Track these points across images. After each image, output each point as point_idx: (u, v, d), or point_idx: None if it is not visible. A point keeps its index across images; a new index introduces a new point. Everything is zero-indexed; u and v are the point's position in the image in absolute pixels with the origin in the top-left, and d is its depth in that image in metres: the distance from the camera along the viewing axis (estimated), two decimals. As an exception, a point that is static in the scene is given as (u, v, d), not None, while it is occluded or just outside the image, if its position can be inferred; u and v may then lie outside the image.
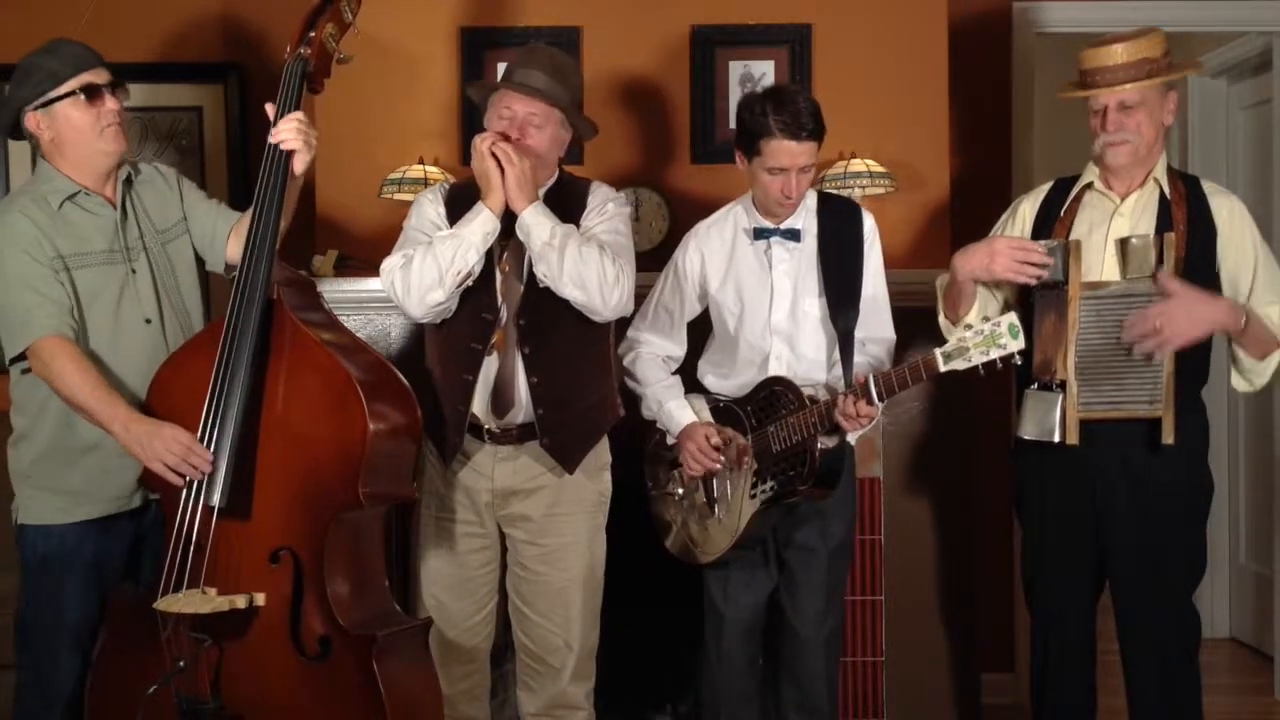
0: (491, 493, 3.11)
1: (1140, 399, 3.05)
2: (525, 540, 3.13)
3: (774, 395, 3.13)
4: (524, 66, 3.06)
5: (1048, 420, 3.09)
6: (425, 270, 2.95)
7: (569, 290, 2.96)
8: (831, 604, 3.25)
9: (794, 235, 3.19)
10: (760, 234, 3.21)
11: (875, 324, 3.23)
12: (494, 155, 2.96)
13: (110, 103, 2.98)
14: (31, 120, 2.98)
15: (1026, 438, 3.13)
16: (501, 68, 3.94)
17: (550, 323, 3.04)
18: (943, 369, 2.92)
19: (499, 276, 3.06)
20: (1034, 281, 3.08)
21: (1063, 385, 3.08)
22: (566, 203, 3.07)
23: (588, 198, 3.15)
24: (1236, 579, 5.21)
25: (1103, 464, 3.10)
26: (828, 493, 3.15)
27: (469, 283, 3.00)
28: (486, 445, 3.09)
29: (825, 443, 3.10)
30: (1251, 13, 4.55)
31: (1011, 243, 3.12)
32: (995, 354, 2.87)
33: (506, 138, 3.00)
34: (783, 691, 3.30)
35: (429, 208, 3.14)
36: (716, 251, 3.27)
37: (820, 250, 3.19)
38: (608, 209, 3.13)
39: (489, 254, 3.01)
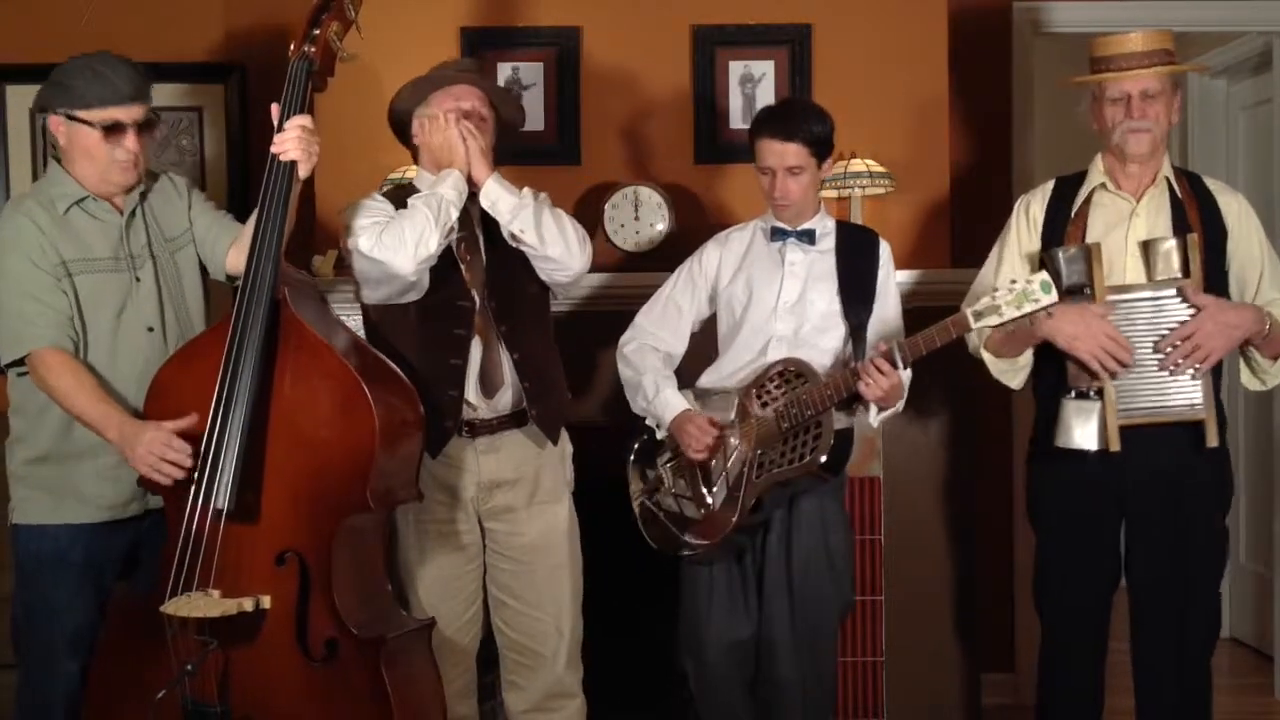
0: (477, 486, 3.14)
1: (1180, 403, 3.06)
2: (510, 531, 3.16)
3: (781, 374, 3.13)
4: (448, 68, 3.21)
5: (1088, 428, 3.08)
6: (415, 222, 2.97)
7: (550, 246, 3.07)
8: (811, 612, 3.20)
9: (809, 237, 3.22)
10: (776, 234, 3.24)
11: (892, 319, 3.25)
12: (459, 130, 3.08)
13: (130, 143, 2.95)
14: (54, 122, 2.97)
15: (1071, 448, 3.09)
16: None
17: (517, 301, 3.15)
18: (974, 326, 2.92)
19: (462, 265, 3.11)
20: (1108, 373, 3.03)
21: (1100, 392, 3.07)
22: None
23: None
24: (1236, 579, 5.20)
25: (1139, 467, 3.08)
26: (830, 476, 3.13)
27: (453, 237, 3.04)
28: (467, 441, 3.12)
29: (837, 423, 3.09)
30: (1251, 13, 4.55)
31: (1110, 334, 3.03)
32: (1028, 308, 2.85)
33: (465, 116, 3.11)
34: (762, 697, 3.28)
35: (373, 204, 3.14)
36: (735, 251, 3.32)
37: (838, 255, 3.23)
38: (542, 196, 3.23)
39: (451, 244, 3.07)
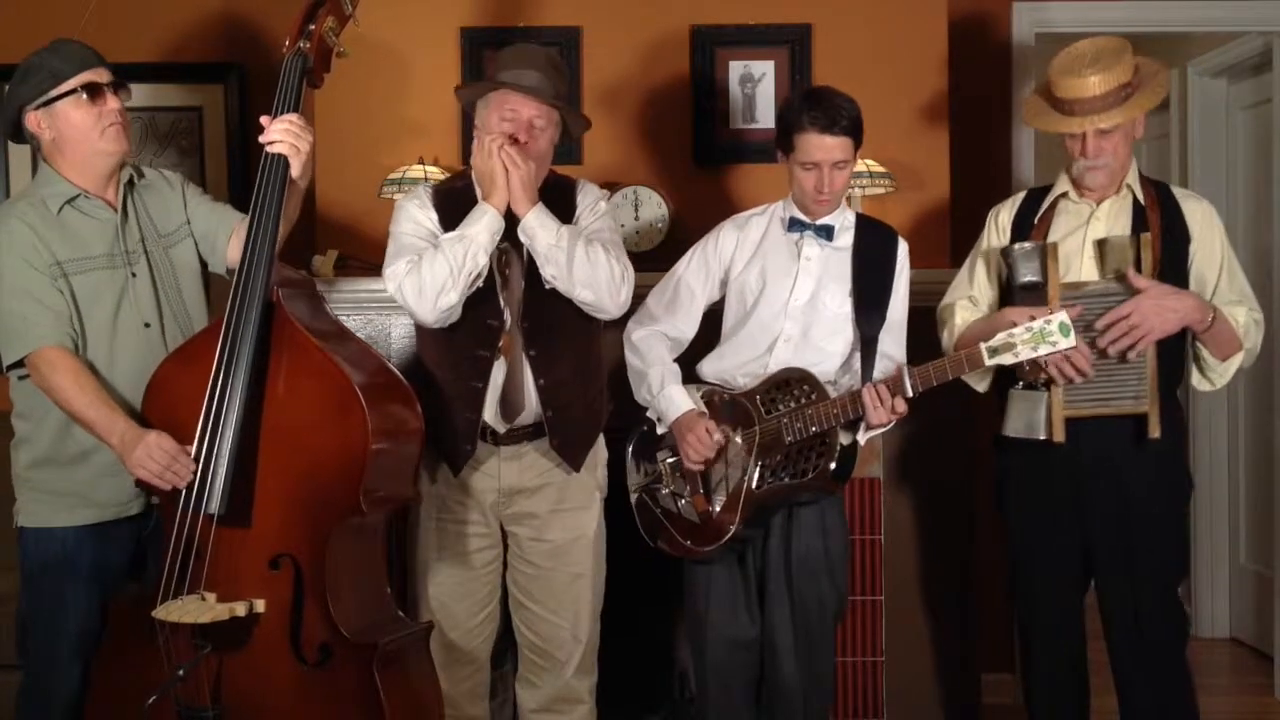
0: (498, 492, 3.11)
1: (1125, 395, 3.09)
2: (532, 537, 3.14)
3: (789, 385, 3.11)
4: (519, 66, 3.06)
5: (1033, 419, 3.12)
6: (436, 273, 2.94)
7: (579, 292, 2.99)
8: (810, 614, 3.18)
9: (827, 232, 3.19)
10: (794, 225, 3.21)
11: (891, 344, 3.20)
12: (500, 157, 2.96)
13: (112, 102, 2.95)
14: (33, 120, 2.95)
15: (1012, 436, 3.15)
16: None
17: (552, 324, 3.06)
18: (988, 362, 2.92)
19: (499, 281, 3.06)
20: (1065, 378, 3.06)
21: (1048, 384, 3.10)
22: (556, 202, 3.07)
23: (576, 196, 3.17)
24: (1236, 579, 5.21)
25: (1086, 461, 3.12)
26: (836, 487, 3.13)
27: (479, 283, 2.99)
28: (491, 446, 3.09)
29: (841, 439, 3.08)
30: (1251, 13, 4.55)
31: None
32: (1044, 350, 2.87)
33: (515, 140, 3.00)
34: (765, 699, 3.27)
35: (417, 212, 3.11)
36: (751, 237, 3.27)
37: (855, 255, 3.20)
38: (599, 208, 3.16)
39: (490, 260, 3.02)
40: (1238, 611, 5.22)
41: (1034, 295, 3.09)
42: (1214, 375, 3.18)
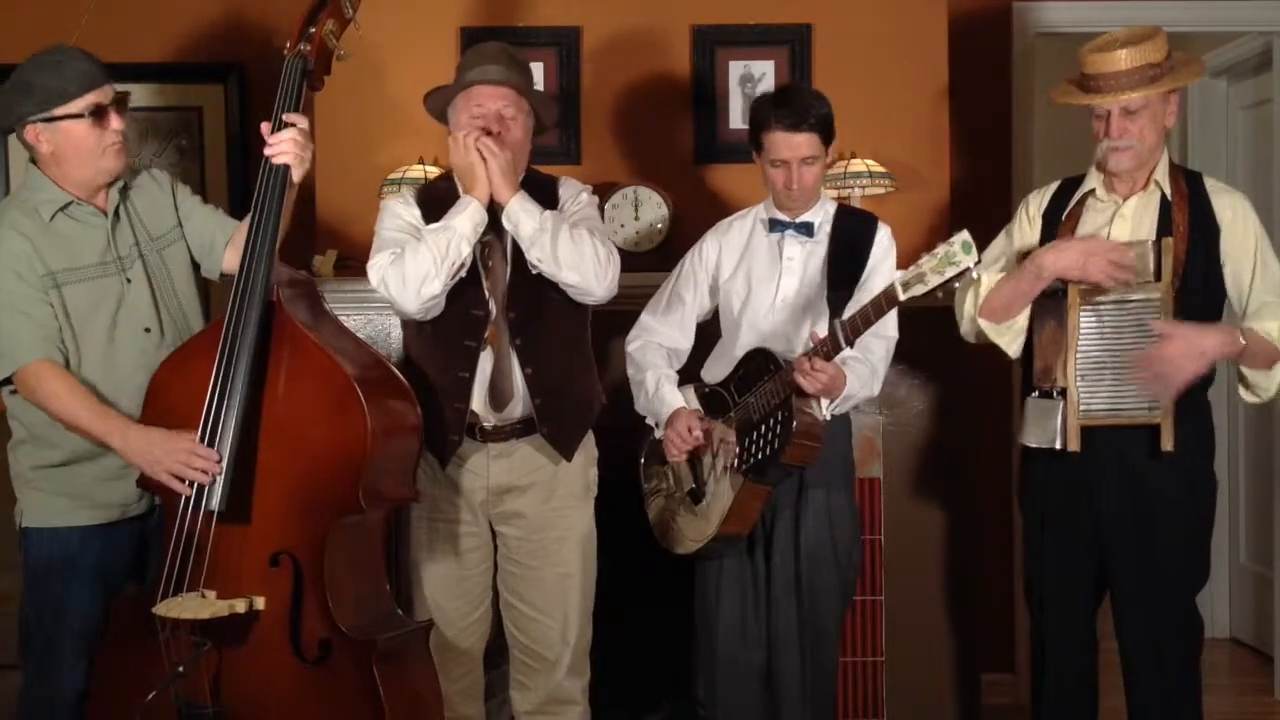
0: (486, 490, 3.12)
1: (1139, 405, 3.06)
2: (520, 536, 3.14)
3: (754, 367, 3.13)
4: (478, 64, 3.09)
5: (1049, 428, 3.11)
6: (419, 263, 2.95)
7: (565, 274, 3.00)
8: (816, 604, 3.19)
9: (808, 229, 3.21)
10: (775, 226, 3.23)
11: (881, 321, 3.16)
12: (477, 149, 2.99)
13: (115, 122, 2.93)
14: (31, 133, 2.92)
15: (1029, 445, 3.15)
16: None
17: (538, 313, 3.08)
18: (903, 297, 2.87)
19: (483, 272, 3.07)
20: (1122, 284, 3.04)
21: (1063, 392, 3.09)
22: (540, 198, 3.08)
23: (558, 190, 3.20)
24: (1236, 579, 5.21)
25: (1103, 469, 3.11)
26: (808, 456, 3.07)
27: (462, 274, 3.00)
28: (479, 444, 3.10)
29: (817, 414, 3.05)
30: (1251, 13, 4.56)
31: (1105, 246, 3.06)
32: (950, 273, 2.80)
33: (488, 132, 3.03)
34: (775, 692, 3.27)
35: (402, 210, 3.13)
36: (734, 243, 3.30)
37: (830, 244, 3.21)
38: (581, 198, 3.19)
39: (473, 252, 3.03)
40: (1238, 611, 5.22)
41: (1053, 302, 3.09)
42: (1259, 389, 3.14)
